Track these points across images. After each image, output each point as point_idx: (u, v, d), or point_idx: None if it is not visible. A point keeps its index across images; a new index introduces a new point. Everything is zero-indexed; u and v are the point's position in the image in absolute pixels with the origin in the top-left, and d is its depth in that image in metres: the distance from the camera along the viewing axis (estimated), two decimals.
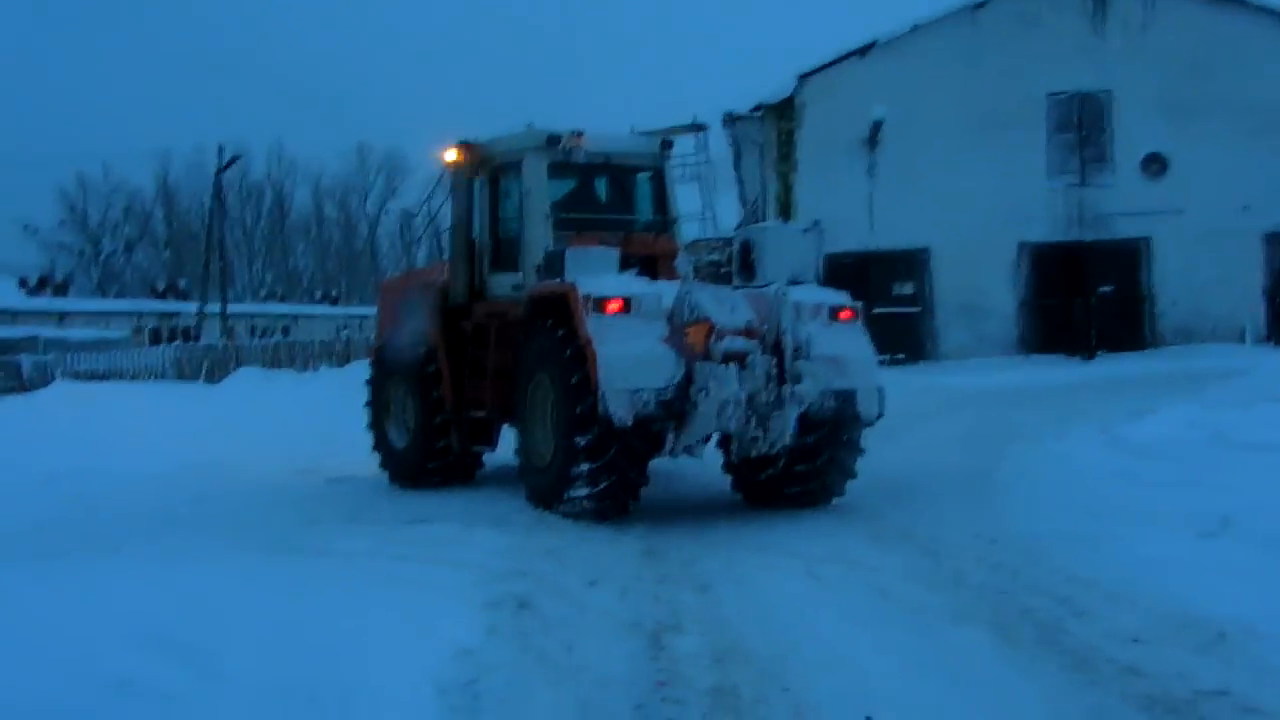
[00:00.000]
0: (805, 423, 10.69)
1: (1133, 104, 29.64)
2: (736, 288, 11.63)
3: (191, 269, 67.52)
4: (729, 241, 12.71)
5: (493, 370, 12.58)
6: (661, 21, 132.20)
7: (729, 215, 32.85)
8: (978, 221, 28.99)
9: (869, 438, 11.43)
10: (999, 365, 27.91)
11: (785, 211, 29.29)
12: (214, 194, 48.39)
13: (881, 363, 11.61)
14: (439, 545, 9.57)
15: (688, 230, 13.66)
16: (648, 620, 7.30)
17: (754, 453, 10.79)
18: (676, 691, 5.99)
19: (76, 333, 48.23)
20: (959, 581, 8.05)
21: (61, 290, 62.29)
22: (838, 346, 10.90)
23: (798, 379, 10.51)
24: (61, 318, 52.72)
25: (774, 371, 10.49)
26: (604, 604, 7.73)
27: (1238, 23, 29.56)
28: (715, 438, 11.15)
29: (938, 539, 9.46)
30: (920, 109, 29.19)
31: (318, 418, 19.89)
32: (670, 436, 10.56)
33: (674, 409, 10.35)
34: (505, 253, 12.94)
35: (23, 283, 59.54)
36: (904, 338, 28.81)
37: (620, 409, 10.17)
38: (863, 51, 29.85)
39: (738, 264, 11.85)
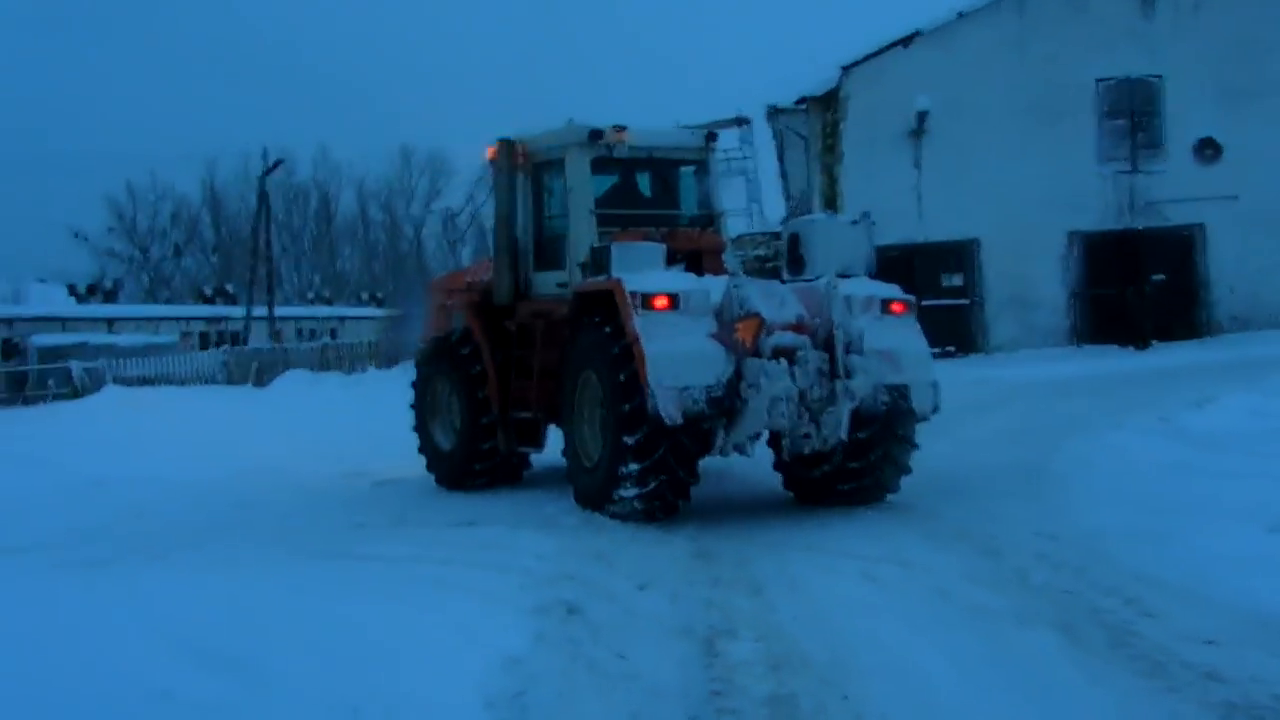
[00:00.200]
0: (858, 419, 10.47)
1: (1184, 88, 29.07)
2: (785, 282, 11.42)
3: (239, 273, 67.80)
4: (775, 236, 12.48)
5: (539, 369, 12.43)
6: (704, 15, 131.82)
7: (774, 210, 32.66)
8: (1027, 211, 28.51)
9: (921, 433, 11.17)
10: (1050, 357, 27.43)
11: (831, 204, 28.95)
12: (259, 198, 48.57)
13: (932, 356, 11.35)
14: (486, 549, 9.43)
15: (733, 225, 13.46)
16: (700, 626, 7.11)
17: (806, 450, 10.57)
18: (731, 702, 5.79)
19: (126, 338, 48.51)
20: (1021, 582, 7.79)
21: (111, 297, 62.76)
22: (890, 340, 10.66)
23: (850, 374, 10.29)
24: (111, 324, 53.06)
25: (826, 367, 10.28)
26: (655, 609, 7.54)
27: None
28: (766, 435, 10.93)
29: (996, 537, 9.21)
30: (967, 98, 28.76)
31: (365, 419, 19.83)
32: (720, 434, 10.36)
33: (724, 406, 10.14)
34: (549, 250, 12.79)
35: (72, 290, 60.02)
36: (953, 330, 28.41)
37: (669, 407, 9.98)
38: (907, 41, 29.44)
39: (786, 257, 11.64)
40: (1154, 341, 28.36)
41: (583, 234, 12.03)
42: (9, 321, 49.85)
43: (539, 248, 12.98)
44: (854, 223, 11.77)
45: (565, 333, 11.63)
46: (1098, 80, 29.31)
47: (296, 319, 63.36)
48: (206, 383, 36.19)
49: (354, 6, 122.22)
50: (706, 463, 10.86)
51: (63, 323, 51.16)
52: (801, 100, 30.29)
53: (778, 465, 11.53)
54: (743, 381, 10.09)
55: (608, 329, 10.60)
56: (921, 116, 28.98)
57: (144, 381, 36.51)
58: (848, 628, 6.99)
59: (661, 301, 10.40)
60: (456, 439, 13.60)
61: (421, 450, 14.22)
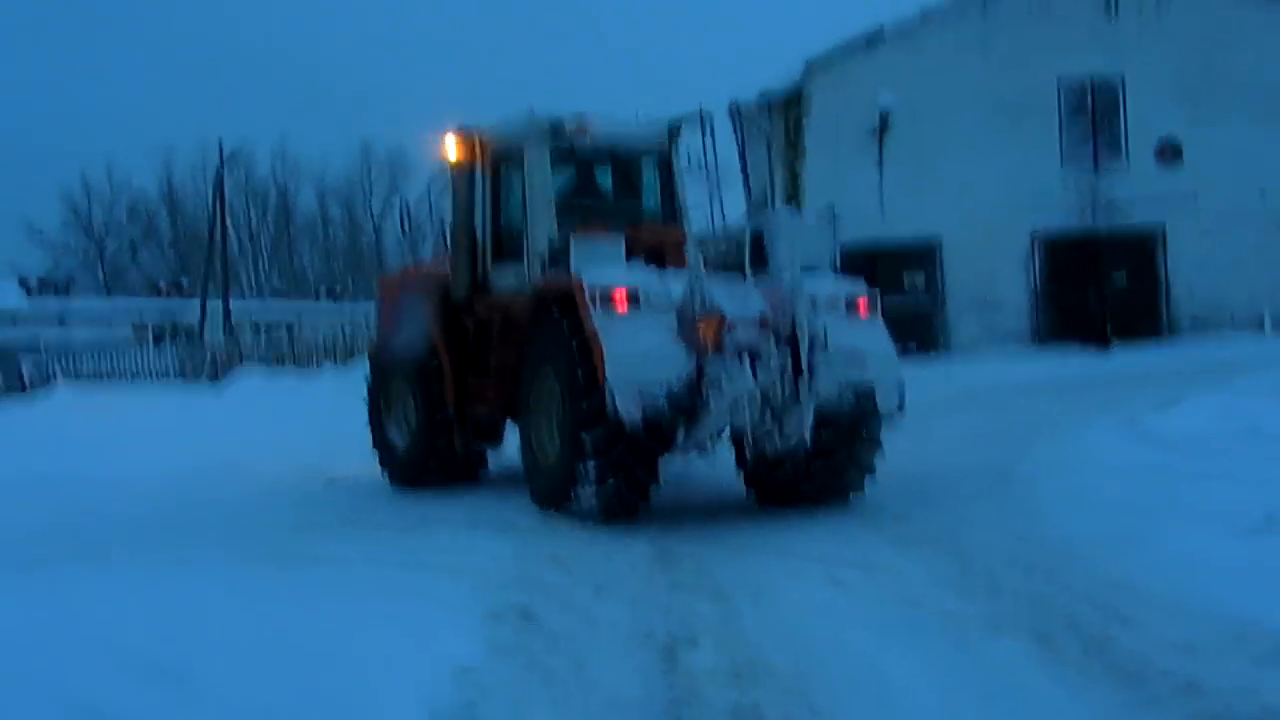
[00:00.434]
0: (822, 419, 10.19)
1: (1146, 89, 29.10)
2: (748, 278, 11.15)
3: (196, 269, 67.05)
4: (734, 235, 12.21)
5: (496, 366, 12.12)
6: (665, 10, 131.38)
7: (734, 208, 32.37)
8: (990, 211, 28.44)
9: (885, 432, 10.92)
10: (1012, 356, 27.41)
11: (793, 203, 28.78)
12: (215, 189, 48.06)
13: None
14: (438, 551, 9.10)
15: (694, 223, 13.18)
16: (660, 633, 6.81)
17: (769, 450, 10.31)
18: (693, 712, 5.51)
19: (78, 333, 47.77)
20: (992, 587, 7.53)
21: (63, 291, 61.79)
22: (855, 339, 10.41)
23: (814, 373, 10.02)
24: (63, 319, 52.24)
25: (789, 365, 10.00)
26: (613, 615, 7.24)
27: (1251, 6, 29.02)
28: (727, 435, 10.67)
29: (965, 540, 8.95)
30: (930, 97, 28.65)
31: (320, 416, 19.49)
32: (681, 434, 10.07)
33: (684, 405, 9.86)
34: (508, 244, 12.47)
35: (23, 284, 58.99)
36: (914, 329, 28.26)
37: (629, 406, 9.69)
38: (871, 40, 29.33)
39: (749, 254, 11.37)
40: (1115, 342, 28.37)
41: (542, 228, 11.73)
42: None
43: (497, 241, 12.65)
44: (819, 219, 11.54)
45: (523, 329, 11.32)
46: (1061, 81, 29.29)
47: (253, 314, 62.64)
48: (160, 379, 35.67)
49: (316, 1, 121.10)
50: (667, 464, 10.58)
51: (12, 318, 50.32)
52: (764, 97, 30.05)
53: (740, 465, 11.27)
54: (704, 380, 9.81)
55: (566, 326, 10.30)
56: (884, 116, 28.85)
57: (96, 378, 35.93)
58: (814, 635, 6.71)
59: (621, 298, 10.13)
60: (411, 436, 13.28)
61: (375, 447, 13.89)
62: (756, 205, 31.25)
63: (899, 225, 28.70)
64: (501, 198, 12.63)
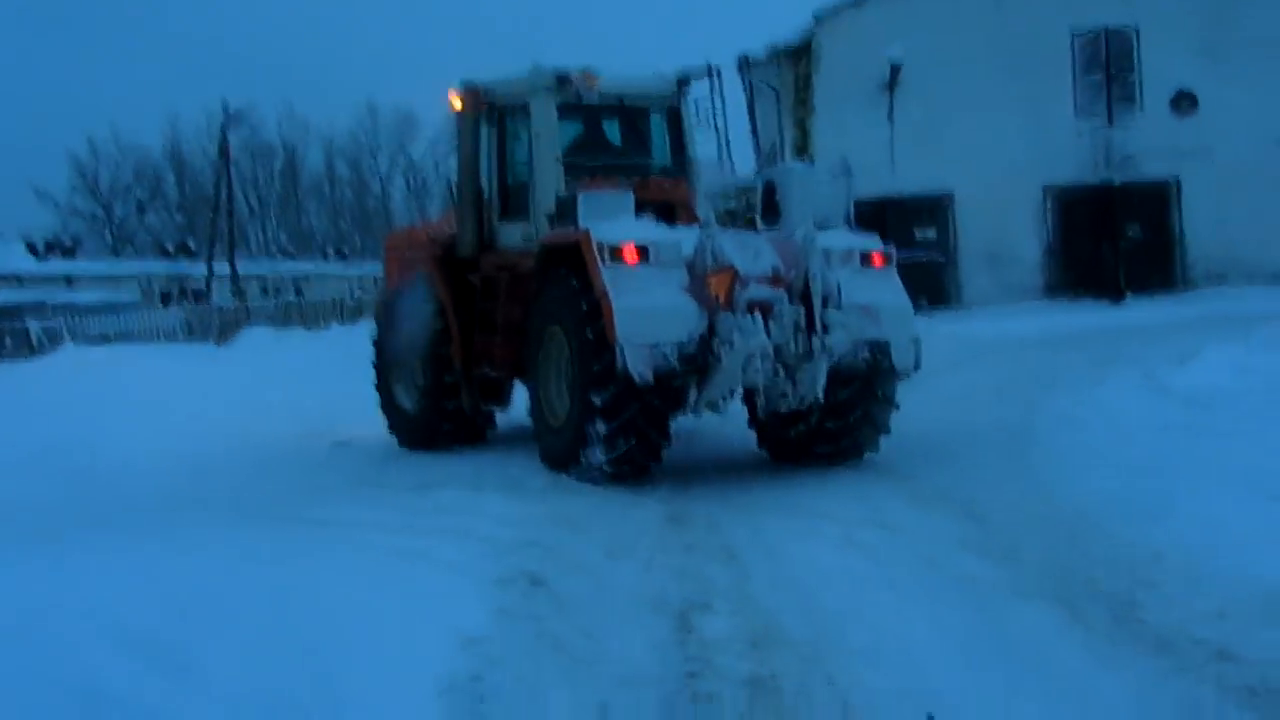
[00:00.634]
0: (836, 376, 10.02)
1: (1161, 40, 28.63)
2: (760, 232, 10.92)
3: (203, 230, 66.89)
4: (746, 190, 11.96)
5: (503, 325, 11.92)
6: None
7: (744, 163, 32.04)
8: (1002, 165, 28.05)
9: (899, 389, 10.70)
10: (1025, 311, 27.06)
11: (803, 157, 28.44)
12: (220, 149, 47.77)
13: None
14: (446, 514, 8.92)
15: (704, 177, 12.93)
16: (674, 598, 6.64)
17: (782, 408, 10.13)
18: (708, 685, 5.33)
19: (85, 295, 47.58)
20: (1012, 550, 7.32)
21: (70, 254, 61.61)
22: (870, 294, 10.20)
23: (828, 330, 9.81)
24: (70, 281, 52.13)
25: (802, 321, 9.79)
26: (625, 580, 7.07)
27: None
28: (740, 393, 10.48)
29: (982, 500, 8.76)
30: (942, 50, 28.18)
31: (328, 377, 19.28)
32: (692, 392, 9.91)
33: (696, 363, 9.68)
34: (514, 200, 12.24)
35: (31, 247, 58.78)
36: (926, 284, 27.96)
37: (639, 364, 9.50)
38: None
39: (761, 207, 11.13)
40: (1129, 296, 28.08)
41: (549, 183, 11.49)
42: None
43: (504, 197, 12.42)
44: (833, 172, 11.27)
45: (531, 286, 11.11)
46: (1074, 32, 28.85)
47: (261, 275, 62.50)
48: (167, 340, 35.54)
49: None
50: (679, 422, 10.40)
51: (20, 280, 50.20)
52: (773, 50, 29.66)
53: (753, 423, 11.08)
54: (716, 337, 9.61)
55: (575, 282, 10.09)
56: (895, 68, 28.43)
57: (103, 339, 35.80)
58: (830, 599, 6.54)
59: (631, 253, 9.91)
60: (419, 398, 13.10)
61: (383, 409, 13.73)
62: (766, 159, 30.92)
63: (910, 179, 28.32)
64: (507, 153, 12.40)
